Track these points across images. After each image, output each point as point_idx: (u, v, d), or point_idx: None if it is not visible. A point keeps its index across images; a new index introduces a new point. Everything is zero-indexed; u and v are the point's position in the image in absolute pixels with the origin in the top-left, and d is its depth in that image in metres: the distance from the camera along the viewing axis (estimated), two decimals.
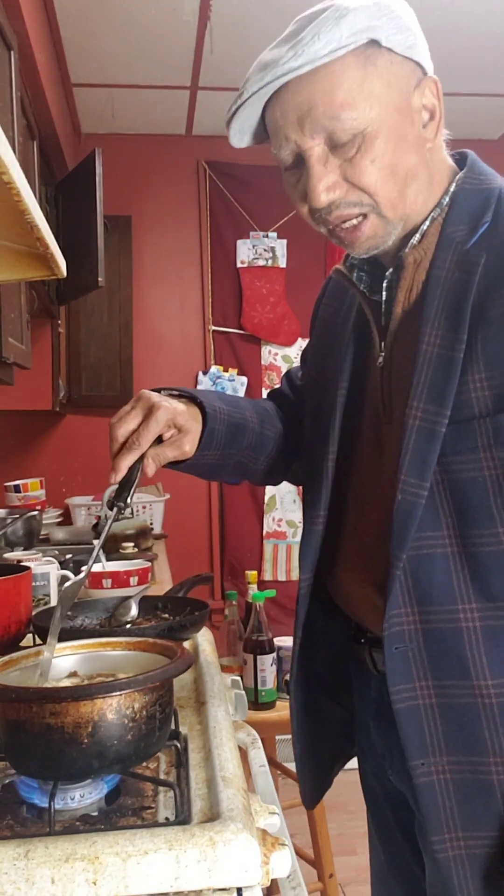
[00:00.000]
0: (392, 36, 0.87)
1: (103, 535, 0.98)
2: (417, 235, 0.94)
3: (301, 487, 3.71)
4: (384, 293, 0.98)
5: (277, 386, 1.30)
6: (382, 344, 0.99)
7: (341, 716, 1.15)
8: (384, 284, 0.98)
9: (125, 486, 0.97)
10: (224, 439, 1.06)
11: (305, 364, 1.22)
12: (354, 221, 0.92)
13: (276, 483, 1.27)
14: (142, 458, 0.98)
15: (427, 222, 0.94)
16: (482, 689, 0.88)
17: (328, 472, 1.02)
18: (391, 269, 0.96)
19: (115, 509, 0.97)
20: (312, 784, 1.16)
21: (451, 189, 0.95)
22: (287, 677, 1.99)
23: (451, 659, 0.89)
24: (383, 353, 0.98)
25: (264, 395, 1.32)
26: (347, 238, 0.94)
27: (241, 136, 0.95)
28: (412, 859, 1.06)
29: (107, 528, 0.98)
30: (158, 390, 1.04)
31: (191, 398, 1.05)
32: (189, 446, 1.02)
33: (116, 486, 0.98)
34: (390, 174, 0.89)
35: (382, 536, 0.92)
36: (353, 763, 1.20)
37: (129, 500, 0.97)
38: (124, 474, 0.97)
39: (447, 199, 0.95)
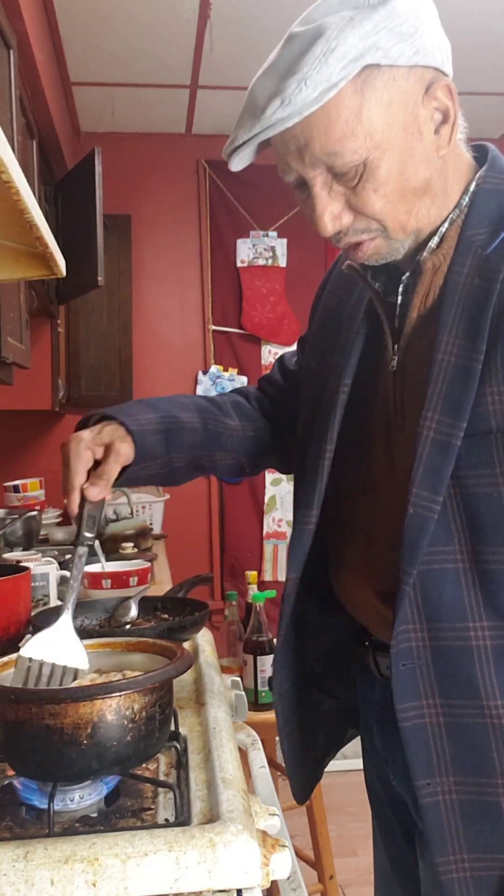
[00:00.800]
0: (393, 48, 0.81)
1: (77, 579, 0.97)
2: (436, 238, 0.90)
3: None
4: (400, 296, 0.94)
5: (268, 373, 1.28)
6: (395, 347, 0.96)
7: (332, 706, 1.14)
8: (400, 288, 0.94)
9: (80, 523, 0.99)
10: (161, 447, 1.05)
11: (303, 352, 1.19)
12: (362, 238, 0.90)
13: (253, 474, 1.25)
14: (83, 493, 0.98)
15: (446, 224, 0.91)
16: (491, 709, 0.86)
17: (323, 471, 0.99)
18: (408, 274, 0.93)
19: (83, 547, 0.98)
20: (305, 778, 1.15)
21: (471, 188, 0.91)
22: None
23: (460, 678, 0.87)
24: (396, 357, 0.95)
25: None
26: (350, 254, 0.93)
27: (241, 163, 0.92)
28: (414, 862, 1.05)
29: (78, 568, 0.97)
30: (86, 420, 1.05)
31: (112, 418, 1.04)
32: (124, 450, 1.00)
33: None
34: (398, 198, 0.86)
35: (390, 544, 0.90)
36: (354, 764, 1.20)
37: (89, 535, 0.98)
38: (76, 513, 0.98)
39: (467, 198, 0.91)
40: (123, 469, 1.01)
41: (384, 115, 0.83)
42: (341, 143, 0.83)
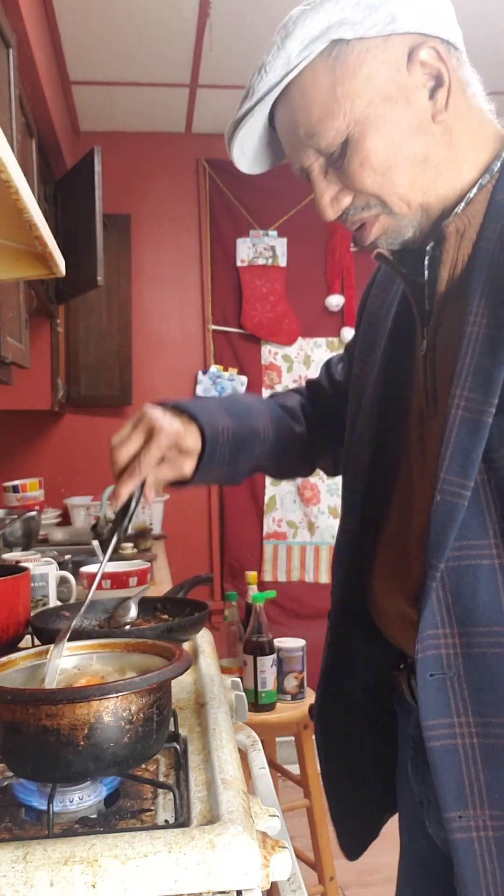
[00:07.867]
0: (363, 21, 0.80)
1: (105, 560, 0.97)
2: (462, 204, 0.84)
3: (299, 487, 3.68)
4: (427, 270, 0.87)
5: (290, 387, 1.26)
6: (425, 330, 0.89)
7: (388, 754, 1.02)
8: (426, 261, 0.87)
9: (124, 513, 0.95)
10: (228, 457, 0.99)
11: (350, 359, 1.13)
12: (364, 216, 0.87)
13: (305, 476, 1.21)
14: (142, 482, 0.94)
15: (474, 189, 0.84)
16: None
17: (362, 474, 0.95)
18: (432, 244, 0.86)
19: (114, 537, 0.95)
20: (353, 834, 1.02)
21: None
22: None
23: (498, 691, 0.77)
24: (426, 340, 0.89)
25: (265, 395, 1.27)
26: (357, 237, 0.90)
27: (243, 159, 0.92)
28: None
29: (107, 555, 0.97)
30: (163, 403, 0.99)
31: (192, 417, 0.98)
32: (188, 467, 0.96)
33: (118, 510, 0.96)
34: (388, 169, 0.83)
35: (423, 543, 0.82)
36: None
37: (128, 529, 0.95)
38: (125, 501, 0.94)
39: (498, 164, 0.85)
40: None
41: (362, 87, 0.82)
42: (321, 123, 0.83)
